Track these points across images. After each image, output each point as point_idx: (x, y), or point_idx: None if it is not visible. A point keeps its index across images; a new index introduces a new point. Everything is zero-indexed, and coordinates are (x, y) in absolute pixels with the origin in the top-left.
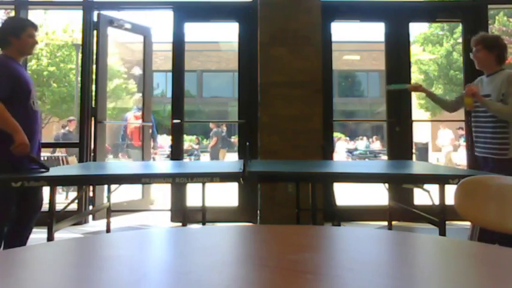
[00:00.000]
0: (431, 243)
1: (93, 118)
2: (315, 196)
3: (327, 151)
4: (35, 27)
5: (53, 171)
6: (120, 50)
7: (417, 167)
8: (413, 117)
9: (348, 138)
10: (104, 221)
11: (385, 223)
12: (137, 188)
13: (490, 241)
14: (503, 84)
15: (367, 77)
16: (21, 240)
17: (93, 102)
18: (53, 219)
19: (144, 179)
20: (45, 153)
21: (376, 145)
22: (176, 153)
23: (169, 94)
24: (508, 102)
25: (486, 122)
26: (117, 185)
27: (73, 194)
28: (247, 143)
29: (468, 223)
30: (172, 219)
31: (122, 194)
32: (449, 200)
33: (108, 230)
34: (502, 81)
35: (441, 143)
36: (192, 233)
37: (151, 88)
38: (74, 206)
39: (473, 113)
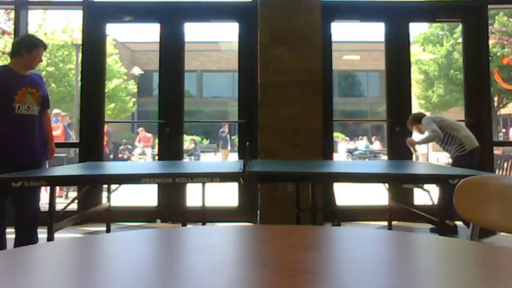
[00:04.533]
0: (431, 243)
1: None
2: (315, 196)
3: (327, 151)
4: (45, 47)
5: (53, 172)
6: (120, 50)
7: (417, 167)
8: None
9: (348, 138)
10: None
11: (385, 223)
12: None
13: None
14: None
15: (367, 77)
16: (27, 240)
17: (93, 102)
18: (53, 219)
19: (144, 179)
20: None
21: (376, 145)
22: (176, 153)
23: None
24: (427, 133)
25: (444, 143)
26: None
27: (73, 194)
28: (247, 143)
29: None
30: (172, 220)
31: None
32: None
33: (108, 230)
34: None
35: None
36: (192, 233)
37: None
38: (74, 206)
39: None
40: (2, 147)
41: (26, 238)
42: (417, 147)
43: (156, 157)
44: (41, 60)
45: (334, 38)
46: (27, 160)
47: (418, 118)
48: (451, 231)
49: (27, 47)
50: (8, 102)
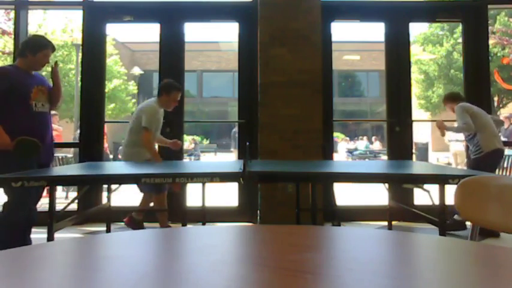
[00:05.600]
0: (431, 243)
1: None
2: (315, 196)
3: (327, 151)
4: (53, 49)
5: (53, 172)
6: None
7: (417, 167)
8: (413, 117)
9: (348, 138)
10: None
11: (385, 223)
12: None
13: None
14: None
15: (367, 77)
16: (24, 239)
17: (93, 102)
18: (53, 219)
19: (144, 179)
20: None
21: (376, 145)
22: (176, 153)
23: None
24: (458, 123)
25: (465, 136)
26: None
27: (73, 194)
28: (247, 143)
29: (468, 223)
30: (172, 220)
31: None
32: (449, 200)
33: (108, 230)
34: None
35: (451, 138)
36: (192, 233)
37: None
38: (74, 206)
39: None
40: None
41: (22, 239)
42: (450, 139)
43: None
44: (48, 62)
45: (334, 38)
46: (43, 159)
47: (454, 98)
48: (459, 226)
49: (32, 48)
50: (25, 100)
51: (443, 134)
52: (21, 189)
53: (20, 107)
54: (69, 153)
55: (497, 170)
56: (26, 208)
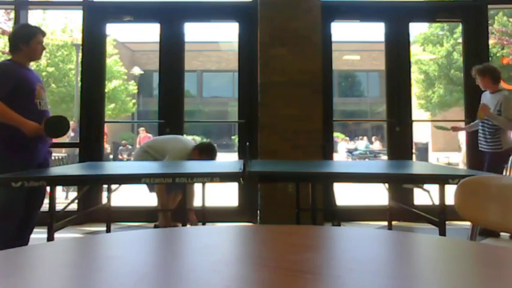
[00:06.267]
0: (431, 243)
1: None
2: (315, 196)
3: (327, 151)
4: (43, 33)
5: (53, 172)
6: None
7: (417, 167)
8: (413, 117)
9: (348, 138)
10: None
11: (385, 223)
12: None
13: None
14: (498, 104)
15: (367, 77)
16: (23, 239)
17: (93, 102)
18: (53, 219)
19: (144, 179)
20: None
21: (376, 145)
22: None
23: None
24: (504, 116)
25: (488, 127)
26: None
27: (73, 194)
28: (247, 143)
29: (468, 223)
30: (173, 219)
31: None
32: (449, 200)
33: (108, 230)
34: (498, 101)
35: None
36: (192, 233)
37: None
38: (74, 206)
39: (480, 122)
40: (28, 146)
41: (22, 240)
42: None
43: None
44: (44, 48)
45: (334, 38)
46: (42, 159)
47: (496, 77)
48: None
49: (24, 39)
50: (31, 98)
51: (481, 117)
52: (4, 200)
53: (27, 106)
54: (62, 152)
55: None
56: (6, 220)
